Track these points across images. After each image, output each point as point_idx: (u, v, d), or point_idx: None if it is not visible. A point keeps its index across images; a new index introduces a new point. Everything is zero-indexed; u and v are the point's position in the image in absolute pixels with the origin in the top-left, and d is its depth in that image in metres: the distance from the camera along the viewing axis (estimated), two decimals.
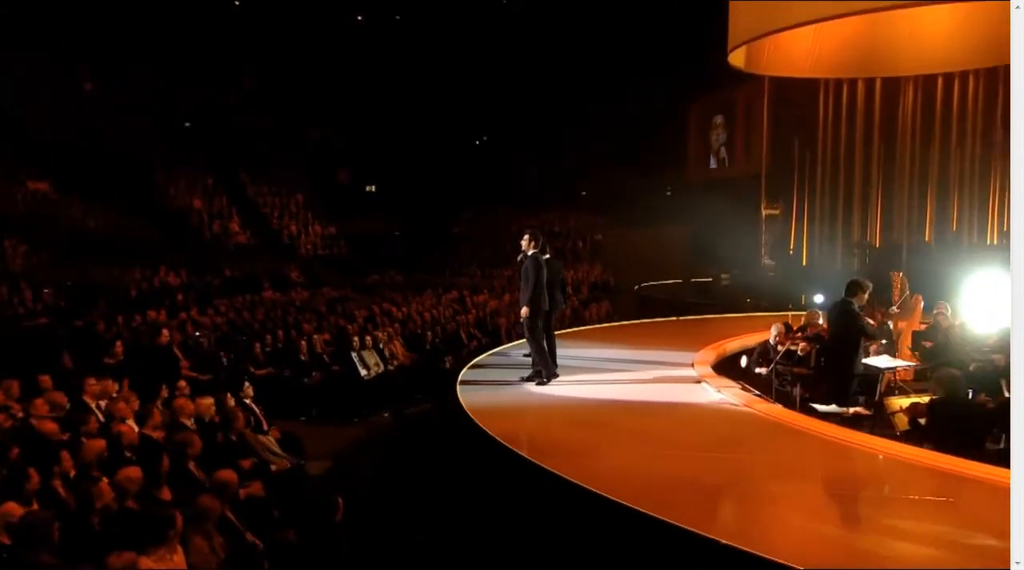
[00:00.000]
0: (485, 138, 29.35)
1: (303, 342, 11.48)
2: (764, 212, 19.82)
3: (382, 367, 11.48)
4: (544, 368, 8.24)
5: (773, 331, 8.99)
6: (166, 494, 5.11)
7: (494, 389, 7.84)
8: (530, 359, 8.46)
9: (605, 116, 25.26)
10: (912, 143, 17.83)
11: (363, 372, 11.22)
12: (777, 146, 19.54)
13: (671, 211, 24.48)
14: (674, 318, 13.45)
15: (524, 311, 8.28)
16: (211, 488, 5.01)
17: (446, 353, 12.20)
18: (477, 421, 6.47)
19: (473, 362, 9.54)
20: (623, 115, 24.58)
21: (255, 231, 22.89)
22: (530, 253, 8.10)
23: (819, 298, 12.50)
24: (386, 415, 10.86)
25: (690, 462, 5.63)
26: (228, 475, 5.32)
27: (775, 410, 7.21)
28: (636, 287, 19.89)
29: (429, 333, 12.32)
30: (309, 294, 17.24)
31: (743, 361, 9.00)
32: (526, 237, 8.34)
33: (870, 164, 18.39)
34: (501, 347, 10.54)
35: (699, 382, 8.07)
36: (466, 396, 7.42)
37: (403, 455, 8.72)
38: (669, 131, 24.53)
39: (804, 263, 19.08)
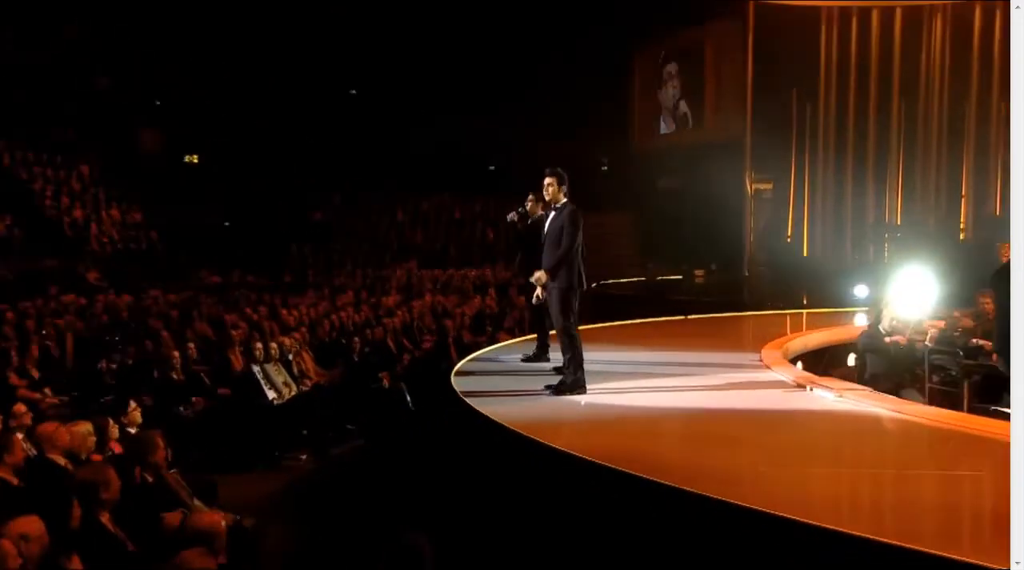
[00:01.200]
0: (355, 92, 28.37)
1: (175, 355, 10.21)
2: (751, 188, 19.85)
3: (294, 387, 10.45)
4: (576, 373, 7.76)
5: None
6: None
7: (517, 402, 7.51)
8: (529, 361, 8.88)
9: (520, 68, 25.16)
10: (941, 93, 18.26)
11: (271, 395, 10.15)
12: (765, 101, 19.73)
13: (610, 192, 24.43)
14: (682, 317, 13.30)
15: (539, 289, 7.95)
16: None
17: (379, 368, 11.32)
18: (553, 445, 5.99)
19: (458, 368, 9.12)
20: (544, 66, 24.63)
21: (18, 218, 20.89)
22: (560, 203, 7.79)
23: (862, 291, 12.73)
24: (304, 457, 10.13)
25: (893, 483, 5.52)
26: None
27: (946, 416, 6.97)
28: (594, 284, 19.51)
29: (357, 340, 11.40)
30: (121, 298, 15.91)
31: (851, 360, 10.05)
32: (551, 181, 7.83)
33: (887, 122, 18.81)
34: (483, 351, 10.45)
35: (803, 386, 8.03)
36: (495, 412, 6.93)
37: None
38: (606, 87, 24.61)
39: (805, 253, 19.24)
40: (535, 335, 9.55)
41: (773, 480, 5.50)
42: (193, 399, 10.19)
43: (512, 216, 9.36)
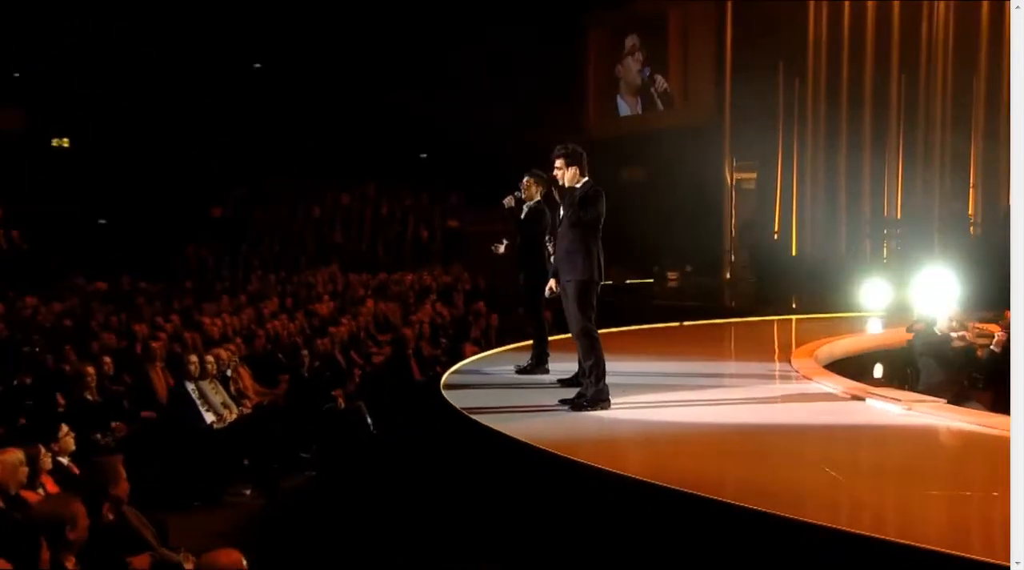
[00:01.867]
0: (260, 65, 27.96)
1: (90, 371, 9.83)
2: (731, 177, 20.03)
3: (234, 409, 10.17)
4: (598, 383, 7.67)
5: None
6: None
7: (531, 419, 7.50)
8: (525, 373, 9.09)
9: (456, 40, 25.11)
10: (945, 67, 18.59)
11: (209, 418, 9.84)
12: (746, 78, 19.92)
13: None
14: (677, 324, 13.60)
15: (552, 282, 8.03)
16: None
17: (331, 385, 11.12)
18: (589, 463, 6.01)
19: (444, 382, 9.01)
20: (484, 41, 24.58)
21: None
22: (581, 184, 7.74)
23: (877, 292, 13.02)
24: (248, 492, 9.85)
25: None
26: None
27: None
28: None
29: (306, 354, 11.14)
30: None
31: (877, 371, 10.41)
32: (561, 162, 7.75)
33: (886, 101, 19.09)
34: (464, 362, 10.50)
35: (859, 398, 8.19)
36: (515, 430, 6.90)
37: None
38: (556, 64, 24.62)
39: (794, 252, 19.43)
40: (532, 343, 9.55)
41: (876, 504, 5.51)
42: (113, 424, 9.81)
43: (508, 200, 9.26)
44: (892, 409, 7.63)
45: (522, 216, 9.30)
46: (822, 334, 12.09)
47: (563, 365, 9.02)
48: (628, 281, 19.96)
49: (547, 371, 9.24)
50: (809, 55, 19.61)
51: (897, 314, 13.57)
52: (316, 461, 10.34)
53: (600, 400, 7.58)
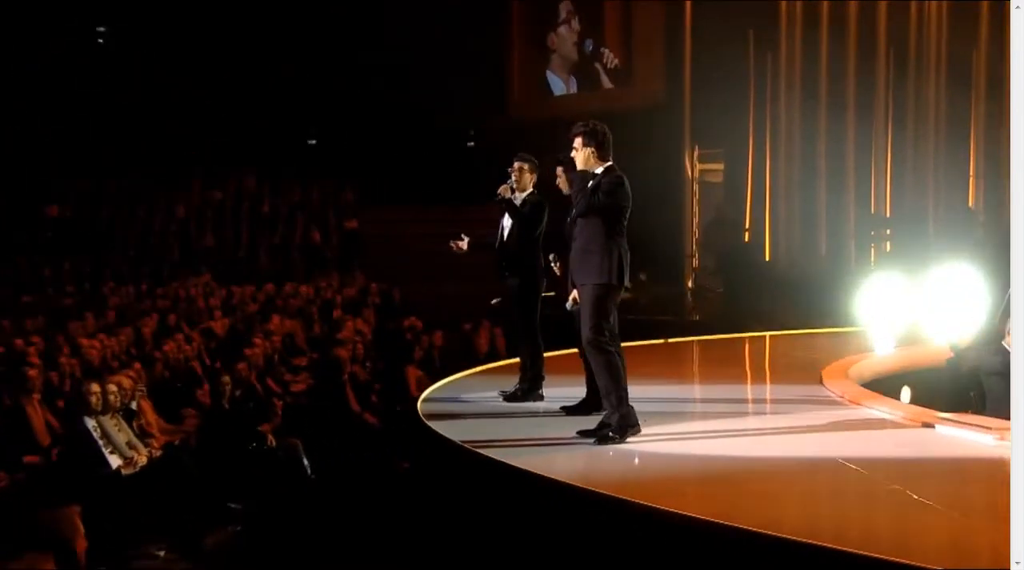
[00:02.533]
0: (105, 30, 27.40)
1: None
2: (693, 170, 20.19)
3: (143, 450, 9.91)
4: (620, 407, 7.64)
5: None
6: None
7: (552, 453, 7.61)
8: (514, 400, 9.14)
9: (354, 9, 25.06)
10: (939, 38, 18.97)
11: (115, 461, 9.60)
12: (708, 49, 20.12)
13: (479, 176, 24.30)
14: (662, 340, 13.76)
15: (574, 293, 8.19)
16: None
17: (255, 420, 10.97)
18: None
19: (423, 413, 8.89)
20: (386, 5, 24.71)
21: None
22: (601, 169, 7.78)
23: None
24: (162, 553, 9.59)
25: None
26: None
27: None
28: (493, 301, 19.45)
29: (227, 382, 10.83)
30: None
31: (904, 394, 10.53)
32: (580, 141, 7.72)
33: (871, 78, 19.39)
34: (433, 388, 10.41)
35: (927, 425, 8.34)
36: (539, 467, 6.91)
37: None
38: (474, 34, 24.65)
39: (767, 257, 19.62)
40: (520, 362, 9.50)
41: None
42: None
43: (504, 189, 9.24)
44: (978, 439, 7.68)
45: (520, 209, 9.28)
46: (823, 351, 12.23)
47: (561, 391, 9.08)
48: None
49: (542, 397, 9.18)
50: (782, 23, 19.78)
51: (904, 326, 13.70)
52: (244, 513, 10.10)
53: (628, 427, 7.54)
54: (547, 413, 8.72)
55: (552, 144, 23.00)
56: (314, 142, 27.69)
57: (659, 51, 22.28)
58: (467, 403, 9.58)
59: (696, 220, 20.87)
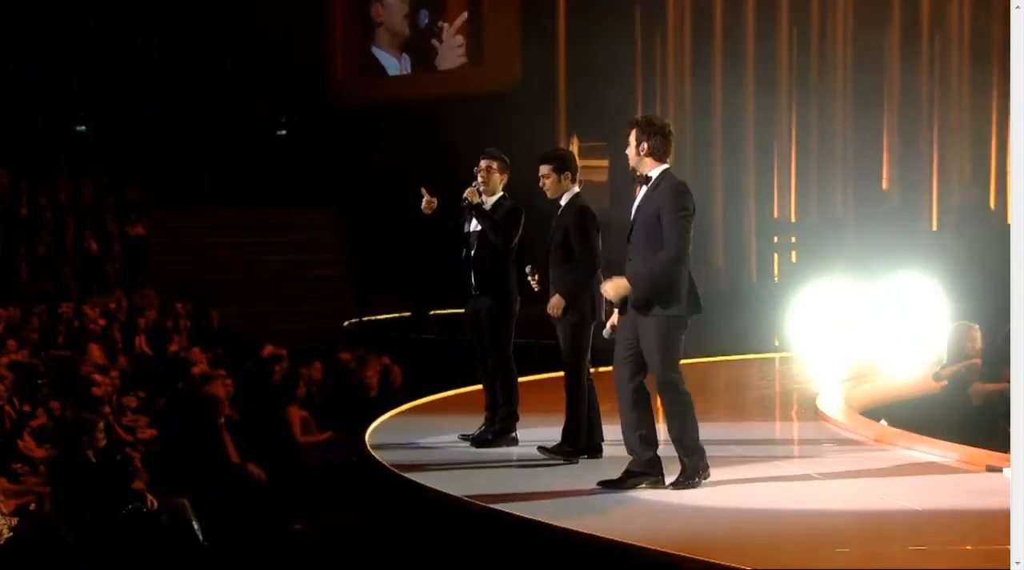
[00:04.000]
0: None
1: None
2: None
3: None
4: (698, 449, 7.97)
5: None
6: None
7: (590, 507, 7.75)
8: (484, 446, 9.31)
9: None
10: (846, 16, 19.77)
11: None
12: (587, 27, 20.31)
13: (293, 171, 24.59)
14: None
15: (612, 318, 8.15)
16: None
17: (124, 477, 10.49)
18: None
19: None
20: None
21: None
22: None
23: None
24: None
25: None
26: None
27: None
28: (346, 323, 19.37)
29: (101, 428, 10.38)
30: None
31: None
32: (635, 135, 7.82)
33: (773, 58, 20.01)
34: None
35: (993, 469, 8.53)
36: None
37: None
38: (287, 6, 24.49)
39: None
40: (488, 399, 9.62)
41: None
42: None
43: (470, 193, 9.25)
44: None
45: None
46: (783, 381, 12.47)
47: (535, 432, 9.22)
48: (432, 312, 20.09)
49: (516, 441, 9.25)
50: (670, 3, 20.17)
51: (849, 352, 14.03)
52: None
53: (700, 470, 7.89)
54: (535, 460, 8.75)
55: (386, 131, 23.43)
56: (84, 129, 26.96)
57: (514, 26, 22.36)
58: (430, 450, 9.60)
59: None
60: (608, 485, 7.82)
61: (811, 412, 11.16)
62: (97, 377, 12.93)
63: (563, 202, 8.77)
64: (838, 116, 20.08)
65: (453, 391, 12.75)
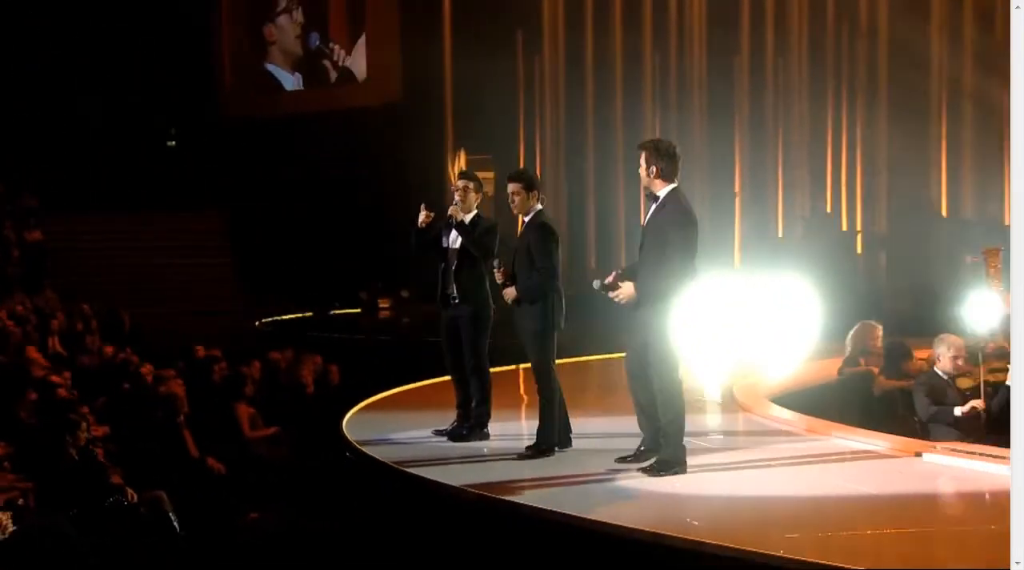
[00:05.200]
0: None
1: None
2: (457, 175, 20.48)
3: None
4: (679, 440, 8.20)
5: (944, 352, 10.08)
6: None
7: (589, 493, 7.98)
8: (460, 440, 9.49)
9: None
10: (701, 43, 20.53)
11: None
12: (470, 49, 20.52)
13: (184, 182, 24.16)
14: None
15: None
16: None
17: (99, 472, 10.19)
18: None
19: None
20: None
21: None
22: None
23: None
24: None
25: None
26: None
27: None
28: (257, 323, 19.20)
29: (83, 427, 10.19)
30: None
31: None
32: (646, 157, 8.20)
33: (639, 82, 20.58)
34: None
35: (916, 454, 8.88)
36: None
37: None
38: (180, 21, 24.32)
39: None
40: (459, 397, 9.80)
41: None
42: None
43: (454, 211, 9.42)
44: (990, 470, 8.14)
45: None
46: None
47: (506, 426, 9.68)
48: (334, 311, 20.18)
49: (488, 435, 9.44)
50: (545, 26, 20.43)
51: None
52: None
53: (679, 461, 8.09)
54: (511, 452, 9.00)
55: (273, 145, 23.28)
56: None
57: (394, 47, 22.52)
58: (410, 445, 9.61)
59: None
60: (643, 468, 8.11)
61: (732, 404, 11.29)
62: (55, 379, 12.67)
63: (527, 218, 8.96)
64: (696, 130, 20.62)
65: (399, 388, 12.88)
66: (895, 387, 10.81)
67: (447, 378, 10.56)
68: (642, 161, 8.03)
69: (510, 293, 8.86)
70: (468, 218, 9.34)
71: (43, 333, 18.46)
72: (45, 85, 24.52)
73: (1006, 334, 11.49)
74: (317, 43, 24.25)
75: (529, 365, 9.19)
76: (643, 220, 8.27)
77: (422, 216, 9.44)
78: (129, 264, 23.02)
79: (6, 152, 25.05)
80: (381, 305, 20.80)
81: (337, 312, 20.62)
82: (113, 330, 19.48)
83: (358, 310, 20.71)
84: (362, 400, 12.22)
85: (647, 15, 20.68)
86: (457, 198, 9.32)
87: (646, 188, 8.09)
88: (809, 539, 6.67)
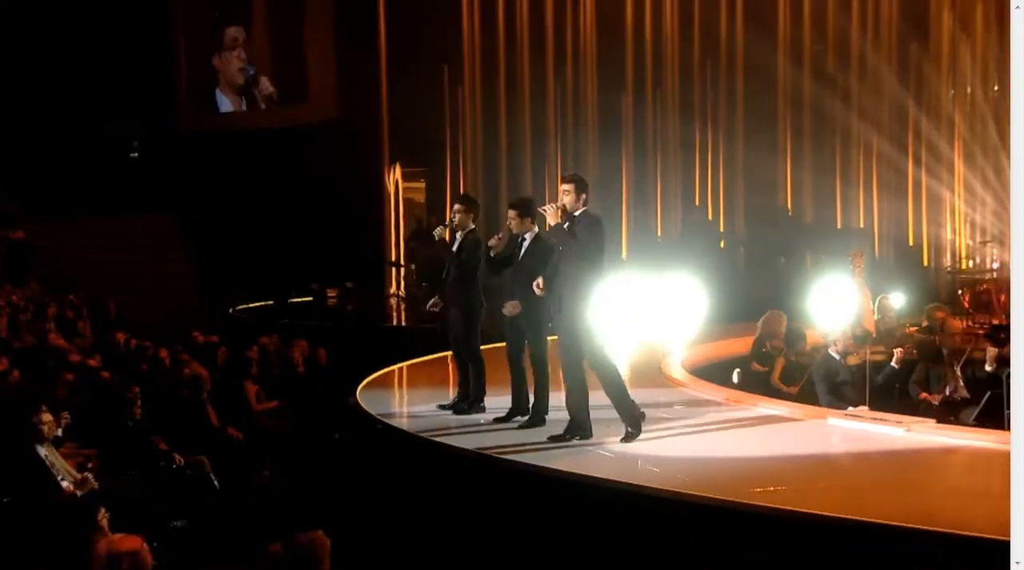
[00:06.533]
0: None
1: None
2: (397, 187, 21.04)
3: (75, 474, 9.50)
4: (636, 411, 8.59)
5: (833, 336, 10.92)
6: None
7: (573, 457, 8.17)
8: (461, 413, 9.85)
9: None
10: (594, 85, 21.23)
11: (65, 483, 9.24)
12: (406, 80, 21.32)
13: (143, 188, 24.26)
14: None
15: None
16: None
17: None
18: None
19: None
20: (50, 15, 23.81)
21: None
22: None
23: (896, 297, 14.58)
24: None
25: None
26: None
27: None
28: (231, 310, 19.42)
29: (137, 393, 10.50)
30: None
31: (735, 377, 12.26)
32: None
33: (543, 106, 21.15)
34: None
35: (819, 418, 9.47)
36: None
37: None
38: (142, 48, 24.48)
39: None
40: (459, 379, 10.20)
41: None
42: None
43: (440, 231, 9.90)
44: (885, 432, 8.80)
45: (455, 246, 9.86)
46: None
47: (497, 401, 9.75)
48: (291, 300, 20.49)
49: (484, 409, 9.83)
50: (465, 61, 21.07)
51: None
52: (187, 529, 9.67)
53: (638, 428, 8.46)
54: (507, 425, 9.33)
55: (226, 158, 23.38)
56: None
57: (329, 77, 22.91)
58: (422, 418, 9.88)
59: (396, 235, 21.68)
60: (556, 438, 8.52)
61: (660, 379, 11.50)
62: (92, 362, 12.90)
63: (527, 237, 9.15)
64: (589, 150, 21.41)
65: (389, 368, 13.03)
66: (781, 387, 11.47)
67: (431, 357, 12.04)
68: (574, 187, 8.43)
69: (513, 308, 9.21)
70: (462, 234, 9.80)
71: (42, 320, 18.46)
72: (24, 103, 24.31)
73: (860, 320, 12.61)
74: (251, 75, 24.34)
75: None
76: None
77: (438, 230, 9.83)
78: (98, 260, 22.84)
79: None
80: (329, 294, 20.93)
81: (293, 300, 20.84)
82: (100, 318, 19.58)
83: (310, 299, 20.82)
84: (347, 380, 12.31)
85: (549, 55, 21.25)
86: (456, 219, 9.73)
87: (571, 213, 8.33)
88: (789, 490, 7.09)
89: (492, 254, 9.51)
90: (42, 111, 24.26)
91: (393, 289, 21.67)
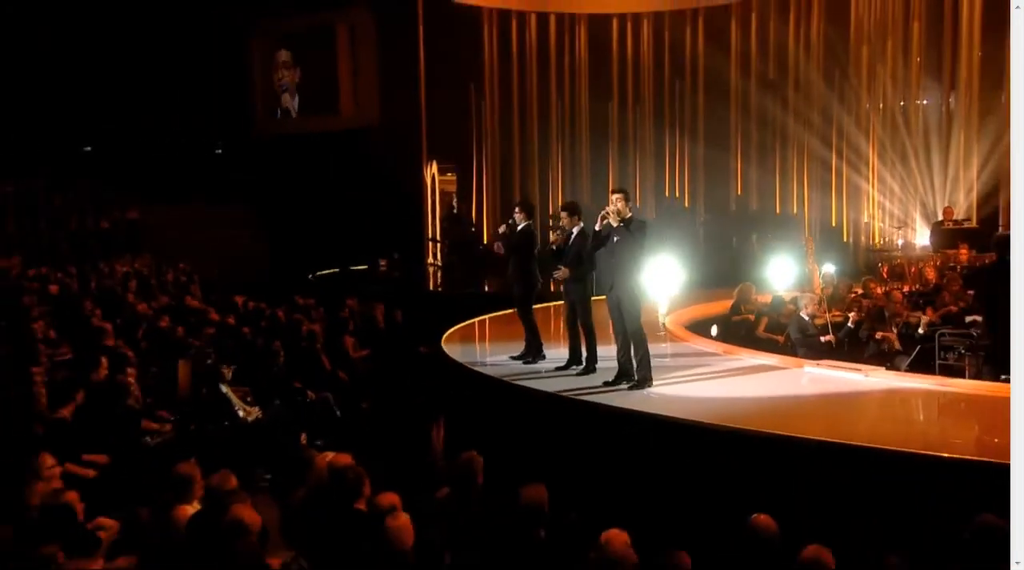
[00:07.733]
0: None
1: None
2: (434, 180, 21.77)
3: (247, 409, 10.20)
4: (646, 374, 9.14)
5: (803, 302, 11.67)
6: None
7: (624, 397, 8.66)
8: (530, 363, 10.34)
9: (126, 37, 24.16)
10: (587, 93, 22.30)
11: (241, 412, 9.98)
12: (440, 92, 21.99)
13: (226, 179, 24.66)
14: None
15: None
16: None
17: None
18: None
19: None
20: (151, 40, 24.03)
21: None
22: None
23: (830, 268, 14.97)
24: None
25: None
26: None
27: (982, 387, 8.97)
28: (311, 276, 20.02)
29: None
30: None
31: (713, 331, 12.59)
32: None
33: (547, 116, 21.92)
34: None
35: (799, 367, 10.13)
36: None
37: None
38: (223, 67, 24.85)
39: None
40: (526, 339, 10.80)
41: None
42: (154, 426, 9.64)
43: (503, 228, 10.63)
44: (850, 377, 9.46)
45: (513, 238, 10.52)
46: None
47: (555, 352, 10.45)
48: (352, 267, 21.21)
49: (544, 357, 10.63)
50: (486, 82, 21.93)
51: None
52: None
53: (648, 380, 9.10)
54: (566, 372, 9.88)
55: (293, 155, 23.82)
56: (89, 149, 26.16)
57: (373, 88, 23.38)
58: (501, 366, 10.29)
59: (434, 222, 22.43)
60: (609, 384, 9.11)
61: (664, 335, 11.48)
62: (230, 320, 13.44)
63: (575, 231, 9.66)
64: (582, 151, 22.45)
65: (460, 324, 13.31)
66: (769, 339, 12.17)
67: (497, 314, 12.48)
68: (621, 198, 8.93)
69: (563, 274, 9.67)
70: (520, 228, 10.44)
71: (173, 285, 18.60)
72: (131, 112, 24.63)
73: (811, 288, 13.29)
74: (285, 88, 25.07)
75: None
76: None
77: (502, 228, 10.60)
78: (196, 239, 22.78)
79: (108, 158, 25.46)
80: (381, 263, 21.45)
81: (353, 268, 21.52)
82: (206, 285, 19.63)
83: (365, 267, 21.49)
84: (419, 336, 12.81)
85: (552, 74, 22.00)
86: (519, 218, 10.38)
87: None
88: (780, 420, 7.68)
89: (552, 246, 10.13)
90: (144, 118, 24.52)
91: (431, 259, 22.31)
